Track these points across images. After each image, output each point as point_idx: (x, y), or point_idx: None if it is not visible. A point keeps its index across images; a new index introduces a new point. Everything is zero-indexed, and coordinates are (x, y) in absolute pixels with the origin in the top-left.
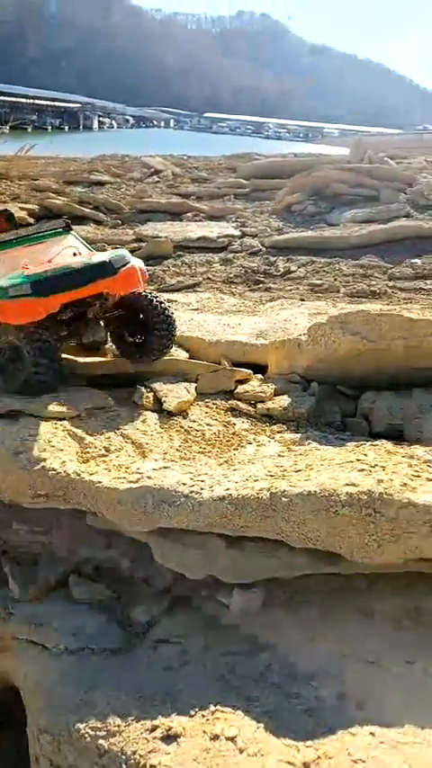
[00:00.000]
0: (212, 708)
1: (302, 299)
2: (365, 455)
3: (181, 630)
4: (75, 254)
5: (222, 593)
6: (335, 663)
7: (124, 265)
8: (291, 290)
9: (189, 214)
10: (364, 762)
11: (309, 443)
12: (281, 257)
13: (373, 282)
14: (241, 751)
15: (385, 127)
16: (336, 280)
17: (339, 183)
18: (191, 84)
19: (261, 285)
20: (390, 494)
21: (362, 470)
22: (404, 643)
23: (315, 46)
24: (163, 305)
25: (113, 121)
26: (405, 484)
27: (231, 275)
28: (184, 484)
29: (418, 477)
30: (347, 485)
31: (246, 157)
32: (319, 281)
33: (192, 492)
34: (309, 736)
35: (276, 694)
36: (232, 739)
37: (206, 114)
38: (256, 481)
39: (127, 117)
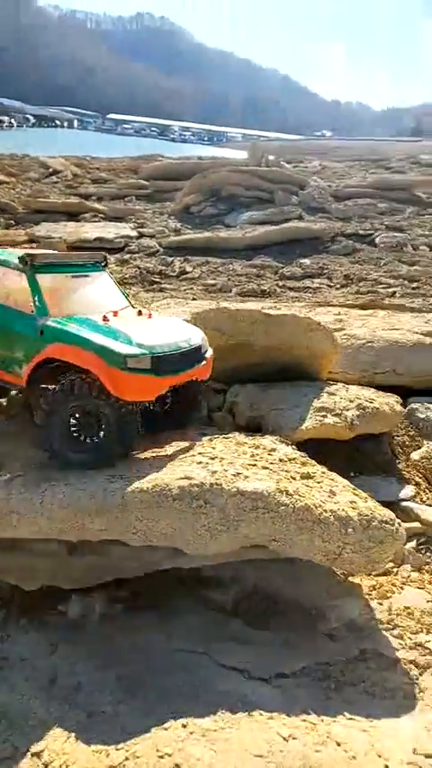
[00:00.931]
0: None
1: (194, 299)
2: (213, 448)
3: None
4: (140, 313)
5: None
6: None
7: (206, 351)
8: (185, 291)
9: (87, 215)
10: (170, 755)
11: None
12: (177, 258)
13: (264, 282)
14: (46, 765)
15: (286, 132)
16: (229, 279)
17: (235, 185)
18: (91, 84)
19: (156, 285)
20: (219, 484)
21: (200, 463)
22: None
23: (217, 50)
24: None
25: (12, 120)
26: (238, 473)
27: (127, 276)
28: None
29: (254, 465)
30: (181, 478)
31: (150, 159)
32: (213, 281)
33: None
34: (122, 739)
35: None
36: (37, 755)
37: (110, 115)
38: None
39: (27, 116)
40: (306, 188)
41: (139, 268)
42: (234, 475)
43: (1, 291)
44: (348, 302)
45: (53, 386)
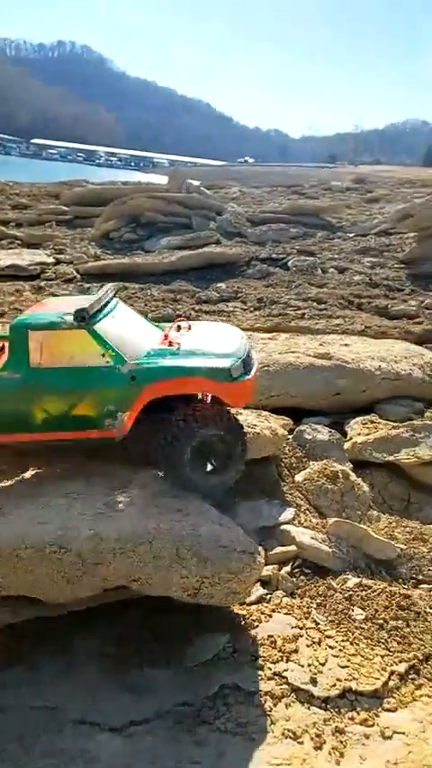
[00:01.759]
0: None
1: None
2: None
3: None
4: (179, 329)
5: None
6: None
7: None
8: None
9: (4, 241)
10: None
11: None
12: (95, 284)
13: (181, 306)
14: None
15: (212, 158)
16: (146, 305)
17: (153, 211)
18: (12, 109)
19: None
20: (77, 527)
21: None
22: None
23: (139, 80)
24: None
25: None
26: (100, 513)
27: None
28: None
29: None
30: (37, 524)
31: (73, 185)
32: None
33: None
34: None
35: None
36: None
37: (34, 141)
38: None
39: None
40: (223, 213)
41: (55, 296)
42: (93, 515)
43: (57, 356)
44: (257, 325)
45: (174, 419)
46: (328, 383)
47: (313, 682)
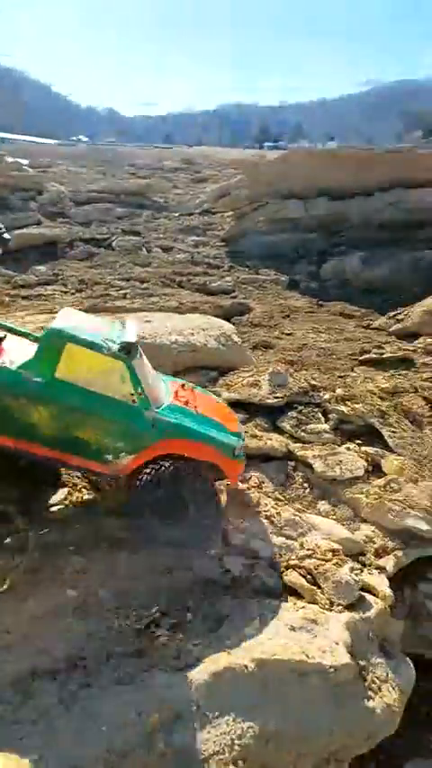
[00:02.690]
0: None
1: None
2: None
3: None
4: (183, 387)
5: None
6: None
7: None
8: None
9: None
10: None
11: None
12: None
13: None
14: None
15: (44, 137)
16: None
17: None
18: None
19: None
20: None
21: None
22: None
23: None
24: None
25: None
26: None
27: None
28: None
29: None
30: None
31: None
32: None
33: None
34: None
35: None
36: None
37: None
38: None
39: None
40: (44, 193)
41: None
42: None
43: (85, 375)
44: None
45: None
46: None
47: None
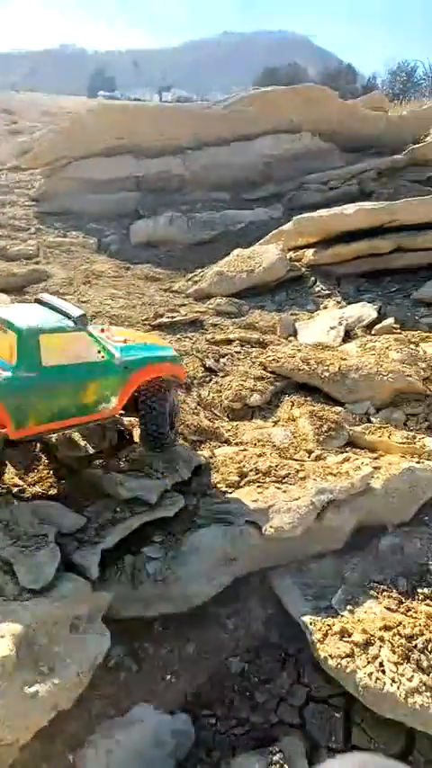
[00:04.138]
0: None
1: None
2: None
3: None
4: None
5: None
6: None
7: None
8: None
9: None
10: None
11: None
12: None
13: None
14: None
15: None
16: None
17: None
18: None
19: None
20: None
21: None
22: None
23: None
24: None
25: None
26: None
27: None
28: None
29: None
30: None
31: None
32: None
33: None
34: None
35: None
36: None
37: None
38: None
39: None
40: None
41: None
42: None
43: (66, 354)
44: None
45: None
46: None
47: None
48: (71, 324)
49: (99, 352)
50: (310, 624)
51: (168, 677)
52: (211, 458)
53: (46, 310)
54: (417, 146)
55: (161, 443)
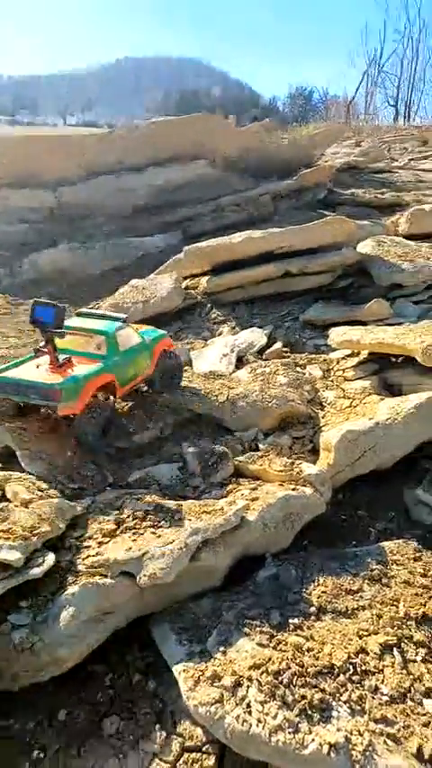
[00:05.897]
0: None
1: None
2: None
3: None
4: None
5: None
6: None
7: None
8: None
9: None
10: None
11: None
12: None
13: None
14: None
15: None
16: None
17: None
18: None
19: None
20: None
21: None
22: None
23: None
24: None
25: None
26: None
27: None
28: None
29: None
30: None
31: None
32: None
33: None
34: None
35: None
36: None
37: None
38: None
39: None
40: None
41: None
42: None
43: (126, 342)
44: None
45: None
46: None
47: None
48: (123, 324)
49: (141, 341)
50: (183, 672)
51: (36, 753)
52: (90, 505)
53: (101, 319)
54: (305, 171)
55: (178, 381)
